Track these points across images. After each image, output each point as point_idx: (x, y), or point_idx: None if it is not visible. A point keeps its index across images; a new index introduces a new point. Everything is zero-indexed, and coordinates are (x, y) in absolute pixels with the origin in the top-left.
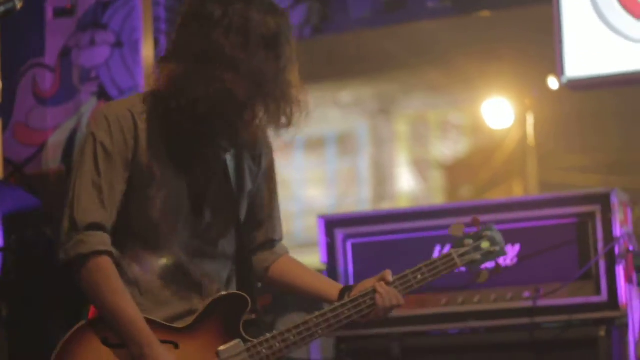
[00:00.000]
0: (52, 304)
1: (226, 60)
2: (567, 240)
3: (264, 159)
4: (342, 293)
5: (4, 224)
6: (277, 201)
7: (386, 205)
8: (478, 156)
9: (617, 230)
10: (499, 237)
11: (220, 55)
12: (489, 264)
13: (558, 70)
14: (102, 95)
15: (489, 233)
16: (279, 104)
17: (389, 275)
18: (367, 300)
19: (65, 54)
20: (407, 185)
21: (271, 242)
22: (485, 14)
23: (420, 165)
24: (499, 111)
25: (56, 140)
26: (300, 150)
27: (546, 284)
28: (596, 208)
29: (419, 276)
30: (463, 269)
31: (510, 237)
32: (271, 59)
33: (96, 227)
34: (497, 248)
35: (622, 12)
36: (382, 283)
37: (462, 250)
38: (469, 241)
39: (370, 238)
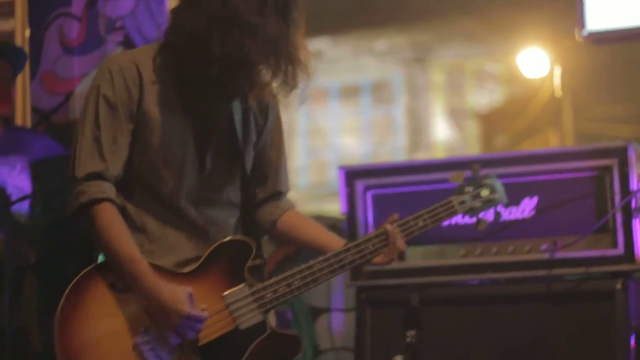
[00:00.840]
0: (77, 251)
1: (243, 24)
2: (584, 193)
3: (271, 112)
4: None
5: (30, 172)
6: (284, 154)
7: (421, 154)
8: (513, 105)
9: (634, 184)
10: (498, 185)
11: (238, 19)
12: (490, 212)
13: (579, 23)
14: (128, 45)
15: (488, 181)
16: (288, 67)
17: (393, 219)
18: (370, 245)
19: (92, 3)
20: (442, 134)
21: (277, 195)
22: None
23: (455, 115)
24: (535, 61)
25: (83, 89)
26: (336, 99)
27: (563, 237)
28: (613, 161)
29: (420, 222)
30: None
31: (528, 189)
32: (282, 22)
33: (94, 176)
34: (497, 196)
35: None
36: (389, 224)
37: (462, 197)
38: (469, 189)
39: (390, 189)
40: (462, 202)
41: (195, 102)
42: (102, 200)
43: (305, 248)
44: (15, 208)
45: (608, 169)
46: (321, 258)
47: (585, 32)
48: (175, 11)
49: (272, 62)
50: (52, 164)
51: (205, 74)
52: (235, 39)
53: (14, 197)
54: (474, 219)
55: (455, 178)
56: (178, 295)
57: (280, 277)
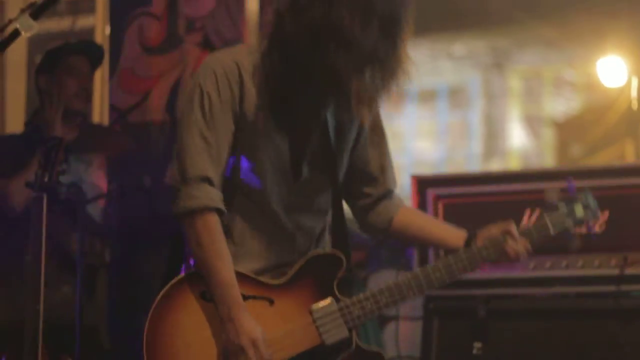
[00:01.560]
0: (149, 253)
1: (343, 37)
2: None
3: None
4: (468, 242)
5: (107, 170)
6: (388, 152)
7: (496, 161)
8: (590, 115)
9: None
10: (593, 203)
11: (338, 32)
12: (581, 230)
13: None
14: (207, 45)
15: (583, 199)
16: (387, 82)
17: (513, 228)
18: (459, 264)
19: (172, 3)
20: (518, 142)
21: (388, 193)
22: None
23: (531, 122)
24: (614, 70)
25: (160, 89)
26: (412, 102)
27: (633, 253)
28: None
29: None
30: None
31: (600, 203)
32: (388, 42)
33: (207, 180)
34: (591, 214)
35: None
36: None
37: (556, 216)
38: (563, 207)
39: (462, 199)
40: (556, 222)
41: (291, 108)
42: (211, 209)
43: (424, 244)
44: (90, 206)
45: None
46: (410, 275)
47: None
48: (278, 14)
49: (367, 76)
50: (126, 163)
51: (301, 82)
52: (332, 51)
53: (89, 196)
54: (566, 237)
55: (550, 196)
56: (254, 337)
57: (368, 293)
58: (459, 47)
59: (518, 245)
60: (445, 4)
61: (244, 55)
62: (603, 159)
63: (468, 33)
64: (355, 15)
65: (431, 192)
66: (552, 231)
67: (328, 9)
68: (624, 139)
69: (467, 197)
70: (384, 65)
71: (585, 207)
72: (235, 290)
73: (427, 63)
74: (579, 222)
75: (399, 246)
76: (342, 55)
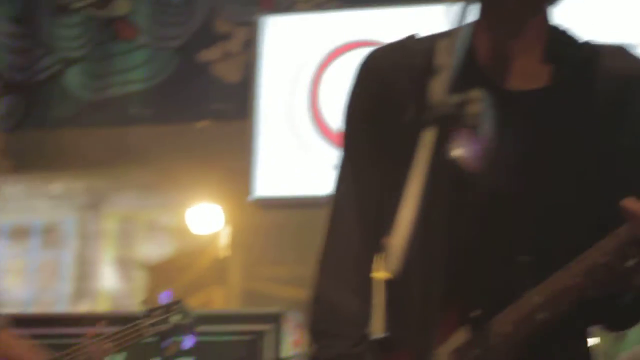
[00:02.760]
0: None
1: None
2: (239, 357)
3: None
4: None
5: None
6: None
7: (86, 302)
8: (182, 260)
9: (286, 351)
10: (189, 311)
11: None
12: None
13: (249, 188)
14: None
15: (179, 307)
16: None
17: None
18: None
19: None
20: (109, 283)
21: None
22: (202, 123)
23: (124, 264)
24: (207, 217)
25: None
26: (3, 238)
27: None
28: (269, 327)
29: (106, 345)
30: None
31: (184, 351)
32: None
33: None
34: (188, 321)
35: (317, 136)
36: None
37: (151, 320)
38: (158, 312)
39: (50, 340)
40: (152, 325)
41: None
42: None
43: None
44: None
45: (262, 334)
46: None
47: (253, 197)
48: None
49: None
50: None
51: None
52: None
53: None
54: (163, 343)
55: (148, 303)
56: None
57: None
58: (56, 186)
59: (96, 344)
60: (43, 142)
61: None
62: (192, 304)
63: (65, 173)
64: None
65: (19, 332)
66: (145, 334)
67: None
68: (212, 286)
69: (55, 338)
70: None
71: (183, 315)
72: None
73: (22, 200)
74: (177, 328)
75: None
76: None
